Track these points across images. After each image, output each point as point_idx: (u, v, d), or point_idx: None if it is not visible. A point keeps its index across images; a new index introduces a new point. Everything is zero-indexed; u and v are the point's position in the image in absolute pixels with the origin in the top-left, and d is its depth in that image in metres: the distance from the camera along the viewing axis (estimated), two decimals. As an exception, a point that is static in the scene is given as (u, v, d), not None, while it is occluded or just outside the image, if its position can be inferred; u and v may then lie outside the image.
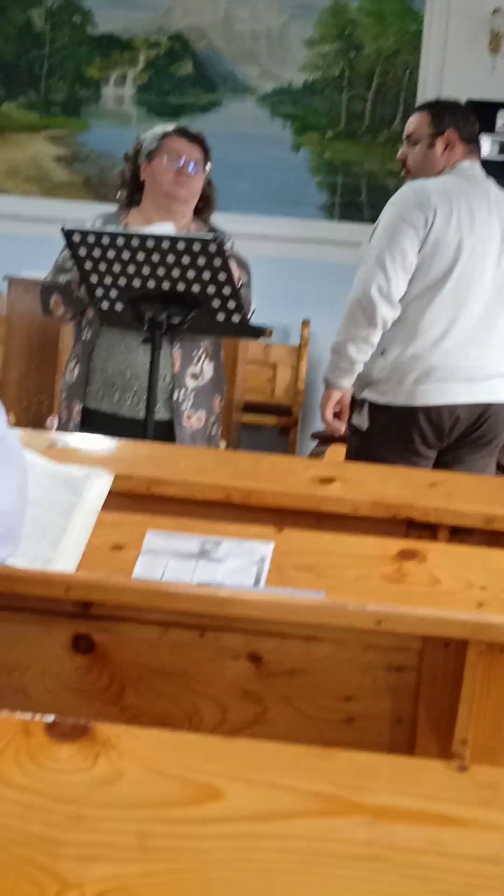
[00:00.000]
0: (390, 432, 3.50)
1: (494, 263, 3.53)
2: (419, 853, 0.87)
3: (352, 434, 3.57)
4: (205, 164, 3.61)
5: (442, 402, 3.48)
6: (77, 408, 3.61)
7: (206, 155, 3.62)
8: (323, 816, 0.88)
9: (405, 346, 3.48)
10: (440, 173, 3.59)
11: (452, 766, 0.95)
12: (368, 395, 3.53)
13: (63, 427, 3.63)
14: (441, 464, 3.54)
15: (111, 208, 3.81)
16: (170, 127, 3.67)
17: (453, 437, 3.51)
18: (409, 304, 3.46)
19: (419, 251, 3.44)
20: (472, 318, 3.50)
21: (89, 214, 3.81)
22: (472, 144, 3.65)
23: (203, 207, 3.68)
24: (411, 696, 1.77)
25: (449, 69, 5.85)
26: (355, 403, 3.57)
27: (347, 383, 3.55)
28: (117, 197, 3.77)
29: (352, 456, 3.49)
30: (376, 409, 3.51)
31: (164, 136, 3.61)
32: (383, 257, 3.43)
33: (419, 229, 3.45)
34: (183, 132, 3.63)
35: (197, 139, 3.62)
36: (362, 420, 3.52)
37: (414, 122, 3.66)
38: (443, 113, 3.65)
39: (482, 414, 3.51)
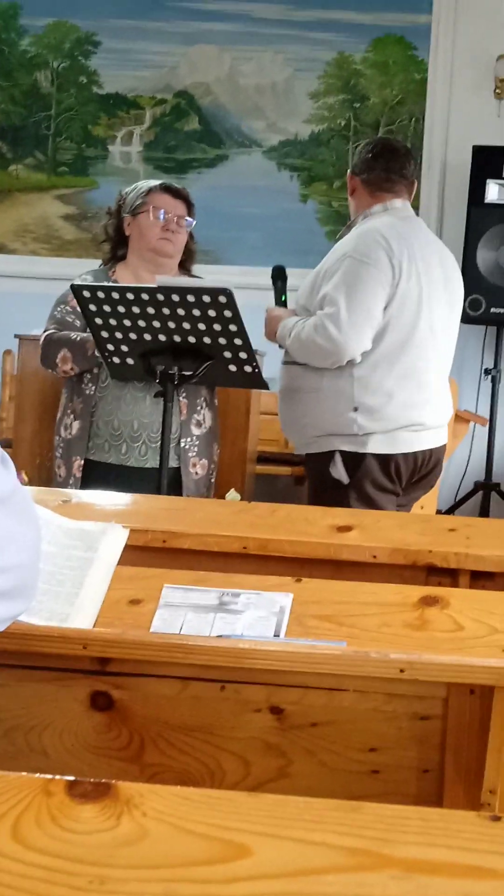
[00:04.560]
0: (374, 480, 3.53)
1: (444, 308, 3.63)
2: (455, 908, 0.84)
3: (329, 487, 3.54)
4: (188, 218, 3.66)
5: (416, 448, 3.58)
6: (77, 462, 3.60)
7: (190, 210, 3.69)
8: (354, 871, 0.85)
9: (384, 398, 3.52)
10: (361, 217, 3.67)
11: (485, 817, 0.92)
12: (344, 446, 3.51)
13: (63, 483, 3.61)
14: (398, 505, 3.65)
15: (96, 264, 3.83)
16: (154, 183, 3.72)
17: (414, 479, 3.63)
18: (380, 360, 3.49)
19: (385, 308, 3.49)
20: (431, 368, 3.60)
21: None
22: (389, 184, 3.69)
23: (185, 260, 3.76)
24: (437, 746, 1.74)
25: (454, 116, 5.89)
26: (317, 458, 3.55)
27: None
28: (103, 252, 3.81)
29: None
30: (354, 459, 3.51)
31: (150, 191, 3.67)
32: (355, 317, 3.45)
33: (387, 287, 3.48)
34: (167, 188, 3.70)
35: (181, 195, 3.69)
36: (340, 473, 3.50)
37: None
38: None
39: (432, 455, 3.65)
